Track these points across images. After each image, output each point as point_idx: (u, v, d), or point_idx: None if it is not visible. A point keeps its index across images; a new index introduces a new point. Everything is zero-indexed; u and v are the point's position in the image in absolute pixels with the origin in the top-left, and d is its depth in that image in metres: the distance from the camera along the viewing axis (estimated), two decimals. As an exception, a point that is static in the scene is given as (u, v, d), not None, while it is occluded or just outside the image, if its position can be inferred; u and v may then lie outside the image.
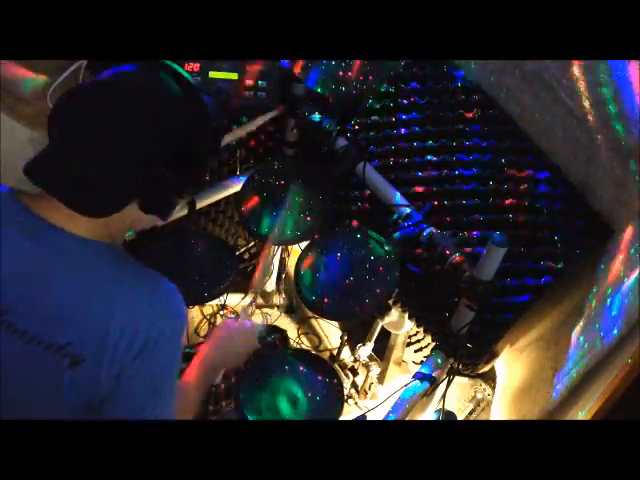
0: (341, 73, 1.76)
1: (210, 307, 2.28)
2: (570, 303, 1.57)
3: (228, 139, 1.77)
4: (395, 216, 1.57)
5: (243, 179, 1.80)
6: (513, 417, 1.73)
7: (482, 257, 1.32)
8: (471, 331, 1.46)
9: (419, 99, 1.76)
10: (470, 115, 1.69)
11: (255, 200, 1.75)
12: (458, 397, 1.98)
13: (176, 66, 1.02)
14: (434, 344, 1.58)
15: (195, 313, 2.24)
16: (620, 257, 1.43)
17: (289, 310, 2.38)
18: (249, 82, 1.78)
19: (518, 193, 1.58)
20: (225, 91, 1.77)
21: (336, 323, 2.28)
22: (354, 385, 2.05)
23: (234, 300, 2.26)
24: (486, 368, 1.72)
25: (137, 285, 0.99)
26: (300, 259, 1.58)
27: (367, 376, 2.00)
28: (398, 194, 1.62)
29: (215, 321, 2.24)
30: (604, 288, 1.45)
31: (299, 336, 2.27)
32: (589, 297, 1.50)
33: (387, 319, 1.85)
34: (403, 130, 1.74)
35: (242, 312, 1.49)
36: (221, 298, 1.68)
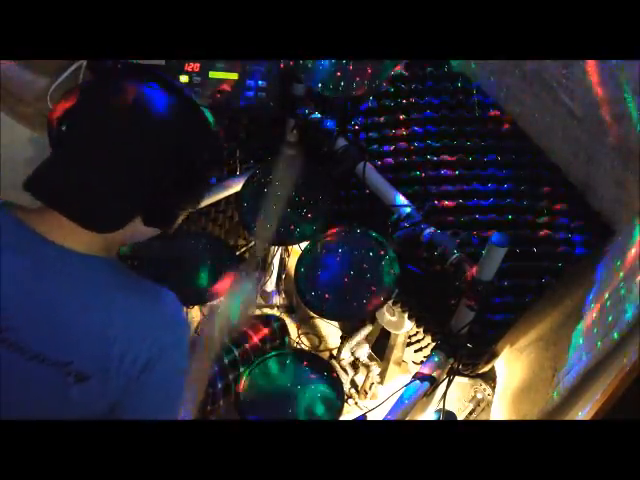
0: (341, 73, 1.76)
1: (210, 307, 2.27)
2: (570, 303, 1.57)
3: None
4: (395, 216, 1.57)
5: (243, 179, 1.80)
6: (513, 417, 1.73)
7: (482, 257, 1.32)
8: (471, 331, 1.46)
9: (419, 99, 1.76)
10: (470, 115, 1.69)
11: (255, 199, 1.75)
12: (458, 397, 1.98)
13: (174, 81, 1.02)
14: (434, 344, 1.58)
15: (195, 313, 2.24)
16: (620, 257, 1.43)
17: (289, 310, 2.38)
18: (249, 82, 1.78)
19: (518, 193, 1.58)
20: (225, 91, 1.77)
21: (336, 323, 2.28)
22: (354, 385, 2.05)
23: (234, 300, 2.26)
24: (486, 368, 1.72)
25: (137, 298, 0.98)
26: (300, 259, 1.58)
27: (367, 376, 2.00)
28: (398, 194, 1.62)
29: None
30: (604, 288, 1.45)
31: (299, 336, 2.27)
32: (589, 297, 1.50)
33: (387, 319, 1.85)
34: (403, 130, 1.75)
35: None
36: (221, 298, 1.68)
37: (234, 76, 1.77)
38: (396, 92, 1.79)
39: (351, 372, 2.06)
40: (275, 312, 2.36)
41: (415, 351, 2.15)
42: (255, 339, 1.76)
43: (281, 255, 2.30)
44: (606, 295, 1.42)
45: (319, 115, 1.79)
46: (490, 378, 1.95)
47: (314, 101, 1.84)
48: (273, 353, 1.68)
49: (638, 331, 1.24)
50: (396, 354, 2.03)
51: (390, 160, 1.72)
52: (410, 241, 1.52)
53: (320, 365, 1.64)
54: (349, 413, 1.98)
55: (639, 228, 1.38)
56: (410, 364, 2.15)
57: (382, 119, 1.78)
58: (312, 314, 2.26)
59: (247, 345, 1.74)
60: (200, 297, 1.66)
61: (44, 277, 0.93)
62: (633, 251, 1.37)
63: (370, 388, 2.03)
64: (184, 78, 1.72)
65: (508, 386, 1.82)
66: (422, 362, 1.77)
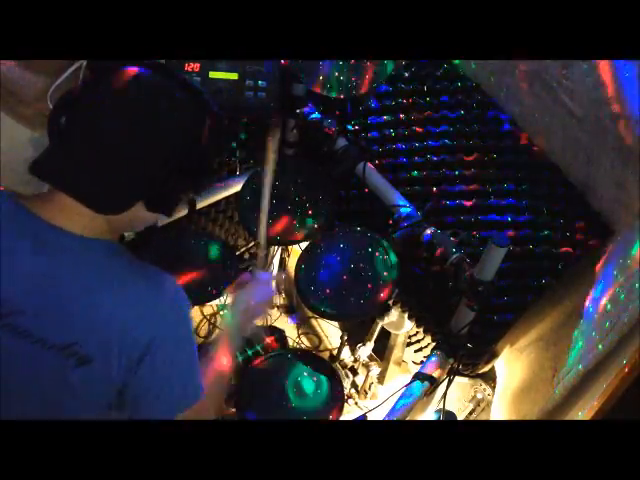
0: (341, 73, 1.76)
1: (210, 307, 2.28)
2: (570, 303, 1.57)
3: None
4: (395, 216, 1.57)
5: (243, 179, 1.80)
6: (513, 417, 1.73)
7: (482, 257, 1.32)
8: (471, 331, 1.46)
9: (419, 99, 1.76)
10: (470, 115, 1.69)
11: (255, 200, 1.75)
12: (458, 397, 1.98)
13: (174, 70, 1.03)
14: (434, 344, 1.58)
15: (195, 313, 2.24)
16: (620, 257, 1.43)
17: (289, 310, 2.38)
18: (249, 82, 1.78)
19: (518, 193, 1.58)
20: (225, 91, 1.77)
21: (336, 323, 2.28)
22: (354, 385, 2.05)
23: (234, 300, 2.26)
24: (486, 368, 1.72)
25: (137, 280, 0.99)
26: (300, 259, 1.58)
27: (367, 376, 2.00)
28: (398, 194, 1.62)
29: (215, 321, 2.24)
30: (604, 288, 1.45)
31: (299, 336, 2.27)
32: (589, 297, 1.50)
33: (387, 319, 1.85)
34: (403, 130, 1.75)
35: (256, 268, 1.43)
36: (221, 298, 1.69)
37: (234, 76, 1.77)
38: (396, 92, 1.79)
39: (351, 372, 2.06)
40: (275, 312, 2.36)
41: (415, 351, 2.15)
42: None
43: (281, 255, 2.30)
44: (606, 295, 1.42)
45: (319, 115, 1.79)
46: (490, 378, 1.95)
47: (314, 101, 1.84)
48: (273, 353, 1.68)
49: (638, 331, 1.24)
50: (396, 354, 2.03)
51: (390, 160, 1.72)
52: (410, 241, 1.52)
53: (320, 365, 1.65)
54: (349, 413, 1.98)
55: (639, 228, 1.38)
56: (410, 364, 2.15)
57: (382, 119, 1.78)
58: (312, 314, 2.26)
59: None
60: (200, 297, 1.66)
61: (46, 261, 0.95)
62: (633, 251, 1.37)
63: (370, 388, 2.03)
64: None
65: (508, 386, 1.82)
66: (422, 362, 1.77)
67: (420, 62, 1.79)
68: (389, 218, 1.57)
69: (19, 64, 1.68)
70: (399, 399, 1.39)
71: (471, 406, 1.97)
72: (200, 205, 1.79)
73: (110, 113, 0.96)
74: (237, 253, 2.36)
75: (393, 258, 1.50)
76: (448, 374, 1.46)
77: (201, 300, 1.75)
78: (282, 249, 2.26)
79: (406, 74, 1.79)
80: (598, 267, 1.50)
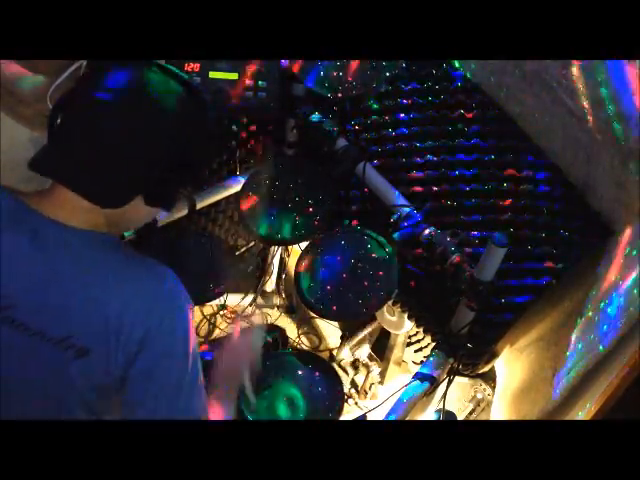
0: (341, 73, 1.76)
1: (210, 307, 2.28)
2: (570, 303, 1.57)
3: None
4: (395, 216, 1.57)
5: (243, 179, 1.81)
6: (513, 417, 1.73)
7: (482, 257, 1.32)
8: (471, 331, 1.46)
9: (419, 99, 1.76)
10: (470, 115, 1.69)
11: (255, 200, 1.75)
12: (458, 397, 1.97)
13: (173, 67, 1.04)
14: (434, 344, 1.58)
15: (195, 313, 2.24)
16: (620, 257, 1.43)
17: (289, 310, 2.38)
18: (249, 82, 1.78)
19: (518, 193, 1.58)
20: (225, 91, 1.77)
21: (336, 323, 2.28)
22: (354, 385, 2.05)
23: (234, 300, 2.26)
24: (486, 368, 1.72)
25: (136, 273, 1.00)
26: (300, 259, 1.58)
27: (367, 376, 2.00)
28: (398, 194, 1.62)
29: (215, 321, 2.24)
30: (604, 288, 1.45)
31: (299, 336, 2.27)
32: (589, 297, 1.50)
33: (387, 319, 1.85)
34: (403, 130, 1.75)
35: (239, 318, 1.44)
36: (221, 298, 1.69)
37: (234, 76, 1.77)
38: (396, 92, 1.79)
39: (351, 372, 2.06)
40: (275, 312, 2.37)
41: (415, 351, 2.15)
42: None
43: (281, 255, 2.30)
44: (606, 295, 1.42)
45: (319, 115, 1.79)
46: (490, 378, 1.95)
47: (314, 101, 1.84)
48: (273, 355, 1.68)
49: (638, 331, 1.24)
50: (396, 354, 2.03)
51: (390, 160, 1.72)
52: (410, 241, 1.52)
53: (320, 365, 1.65)
54: (349, 413, 1.98)
55: (638, 227, 1.38)
56: (410, 364, 2.15)
57: (382, 119, 1.78)
58: (312, 314, 2.26)
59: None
60: (200, 297, 1.66)
61: (44, 255, 0.95)
62: (633, 252, 1.37)
63: (370, 388, 2.03)
64: (184, 78, 1.72)
65: (508, 386, 1.82)
66: (422, 362, 1.77)
67: (420, 62, 1.79)
68: (389, 218, 1.57)
69: (19, 64, 1.68)
70: (399, 399, 1.39)
71: (471, 406, 1.96)
72: (200, 205, 1.79)
73: (108, 108, 0.96)
74: (237, 253, 2.36)
75: (393, 258, 1.50)
76: (448, 374, 1.46)
77: (201, 300, 1.75)
78: (282, 249, 2.27)
79: (406, 74, 1.79)
80: (598, 267, 1.50)
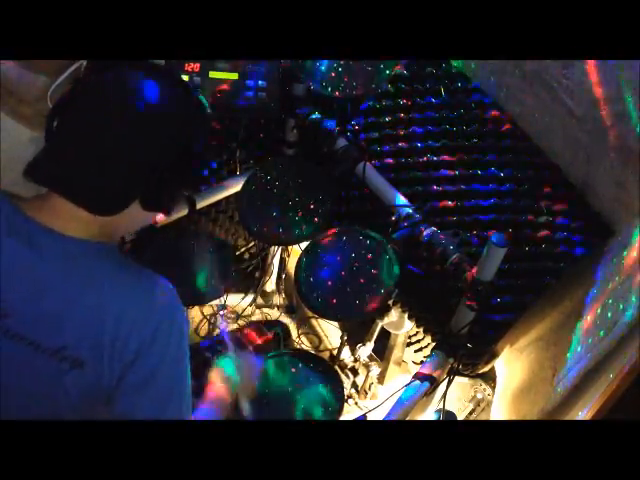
0: (341, 73, 1.76)
1: (210, 307, 2.28)
2: (570, 303, 1.57)
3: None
4: (395, 216, 1.57)
5: (243, 179, 1.80)
6: (513, 417, 1.73)
7: (482, 257, 1.32)
8: (471, 331, 1.46)
9: (419, 99, 1.76)
10: (470, 117, 1.69)
11: (255, 200, 1.75)
12: (458, 397, 1.97)
13: (168, 69, 1.04)
14: (434, 344, 1.58)
15: (195, 313, 2.24)
16: (620, 257, 1.43)
17: (289, 310, 2.38)
18: (249, 82, 1.78)
19: (518, 193, 1.58)
20: (225, 91, 1.77)
21: (336, 323, 2.28)
22: (354, 385, 2.05)
23: (234, 300, 2.26)
24: (486, 368, 1.72)
25: (132, 284, 0.99)
26: (300, 259, 1.58)
27: (367, 376, 2.00)
28: (398, 194, 1.62)
29: (215, 321, 2.24)
30: (604, 288, 1.45)
31: (299, 336, 2.27)
32: (589, 297, 1.50)
33: (387, 319, 1.85)
34: (403, 130, 1.75)
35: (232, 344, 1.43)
36: (221, 298, 1.69)
37: (234, 76, 1.77)
38: (396, 92, 1.79)
39: (351, 372, 2.06)
40: (275, 312, 2.36)
41: (415, 351, 2.15)
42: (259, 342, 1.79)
43: (281, 255, 2.30)
44: (606, 295, 1.42)
45: (319, 115, 1.79)
46: (490, 378, 1.95)
47: (314, 101, 1.84)
48: (273, 353, 1.68)
49: (638, 331, 1.24)
50: (396, 354, 2.03)
51: (390, 160, 1.72)
52: (410, 241, 1.52)
53: (320, 365, 1.65)
54: (349, 413, 1.98)
55: (639, 228, 1.38)
56: (410, 364, 2.15)
57: (382, 119, 1.78)
58: (312, 314, 2.26)
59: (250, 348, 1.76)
60: (200, 297, 1.66)
61: (39, 264, 0.94)
62: (633, 251, 1.37)
63: (370, 388, 2.03)
64: (184, 78, 1.72)
65: (508, 386, 1.82)
66: (422, 362, 1.77)
67: (420, 62, 1.79)
68: (389, 218, 1.57)
69: (19, 64, 1.68)
70: (399, 399, 1.39)
71: (471, 406, 1.96)
72: (200, 205, 1.79)
73: (100, 114, 0.96)
74: (237, 253, 2.36)
75: (393, 258, 1.50)
76: (448, 374, 1.46)
77: (201, 300, 1.75)
78: (282, 249, 2.26)
79: (406, 74, 1.79)
80: (598, 267, 1.50)
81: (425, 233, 1.50)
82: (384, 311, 1.74)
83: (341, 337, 2.05)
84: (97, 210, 0.96)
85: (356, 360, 2.05)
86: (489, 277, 1.33)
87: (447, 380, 1.46)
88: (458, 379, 1.58)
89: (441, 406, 1.46)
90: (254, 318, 2.30)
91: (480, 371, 1.70)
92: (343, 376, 2.03)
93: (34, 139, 1.82)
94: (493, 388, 1.95)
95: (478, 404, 1.97)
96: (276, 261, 2.29)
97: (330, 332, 2.30)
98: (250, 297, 2.31)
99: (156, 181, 0.98)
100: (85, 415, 0.98)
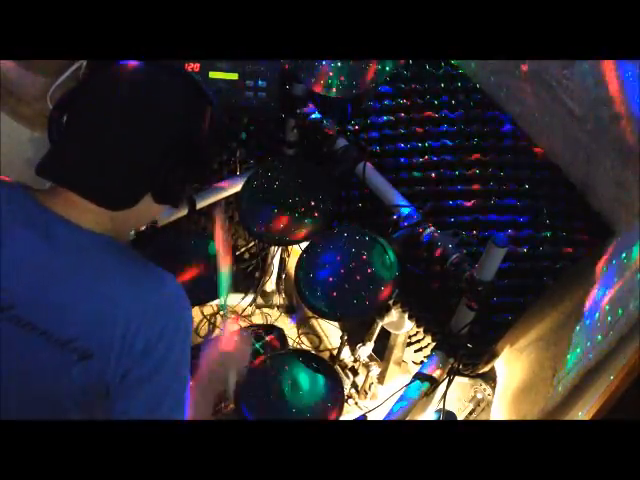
0: (341, 73, 1.76)
1: (210, 307, 2.28)
2: (570, 303, 1.57)
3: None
4: (395, 216, 1.57)
5: (243, 179, 1.80)
6: (513, 417, 1.73)
7: (482, 257, 1.32)
8: (471, 331, 1.46)
9: (419, 99, 1.76)
10: (470, 117, 1.69)
11: (255, 200, 1.75)
12: (458, 397, 1.97)
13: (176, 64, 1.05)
14: (434, 344, 1.58)
15: (195, 313, 2.24)
16: (620, 257, 1.43)
17: (289, 310, 2.38)
18: (249, 82, 1.78)
19: (518, 193, 1.58)
20: (225, 91, 1.77)
21: (336, 323, 2.28)
22: (354, 385, 2.05)
23: (234, 300, 2.26)
24: (486, 368, 1.72)
25: (143, 279, 1.00)
26: (300, 259, 1.58)
27: (367, 376, 2.00)
28: (398, 194, 1.62)
29: (215, 321, 2.24)
30: (604, 288, 1.45)
31: (299, 336, 2.27)
32: (589, 297, 1.50)
33: (387, 319, 1.85)
34: (403, 130, 1.75)
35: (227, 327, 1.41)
36: (221, 298, 1.69)
37: (234, 76, 1.77)
38: (396, 92, 1.79)
39: (351, 372, 2.06)
40: (275, 312, 2.36)
41: (415, 351, 2.15)
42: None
43: (281, 255, 2.30)
44: (606, 295, 1.42)
45: (319, 115, 1.79)
46: (490, 378, 1.95)
47: (314, 101, 1.84)
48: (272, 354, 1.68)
49: (638, 331, 1.24)
50: (396, 354, 2.03)
51: (390, 160, 1.72)
52: (410, 241, 1.52)
53: (320, 365, 1.65)
54: (349, 413, 1.98)
55: (638, 227, 1.38)
56: (410, 364, 2.15)
57: (382, 119, 1.78)
58: (312, 314, 2.26)
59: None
60: (200, 297, 1.66)
61: (53, 254, 0.95)
62: (633, 252, 1.37)
63: (370, 388, 2.03)
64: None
65: (508, 386, 1.82)
66: (422, 362, 1.77)
67: (420, 62, 1.79)
68: (389, 218, 1.57)
69: (19, 64, 1.69)
70: (399, 399, 1.39)
71: (471, 406, 1.96)
72: (200, 205, 1.79)
73: (109, 108, 0.97)
74: (237, 253, 2.36)
75: (393, 258, 1.50)
76: (448, 374, 1.46)
77: (201, 300, 1.75)
78: (282, 249, 2.26)
79: (406, 74, 1.79)
80: (598, 267, 1.50)
81: (425, 233, 1.50)
82: (384, 311, 1.74)
83: (341, 337, 2.05)
84: (111, 205, 0.98)
85: (356, 360, 2.05)
86: (489, 277, 1.33)
87: (447, 380, 1.46)
88: (458, 379, 1.58)
89: (441, 406, 1.46)
90: (254, 318, 2.30)
91: (480, 371, 1.70)
92: (343, 376, 2.03)
93: (34, 139, 1.82)
94: (493, 388, 1.95)
95: (478, 404, 1.97)
96: (276, 261, 2.29)
97: (330, 332, 2.30)
98: (250, 297, 2.31)
99: (166, 175, 0.99)
100: (84, 406, 0.98)
